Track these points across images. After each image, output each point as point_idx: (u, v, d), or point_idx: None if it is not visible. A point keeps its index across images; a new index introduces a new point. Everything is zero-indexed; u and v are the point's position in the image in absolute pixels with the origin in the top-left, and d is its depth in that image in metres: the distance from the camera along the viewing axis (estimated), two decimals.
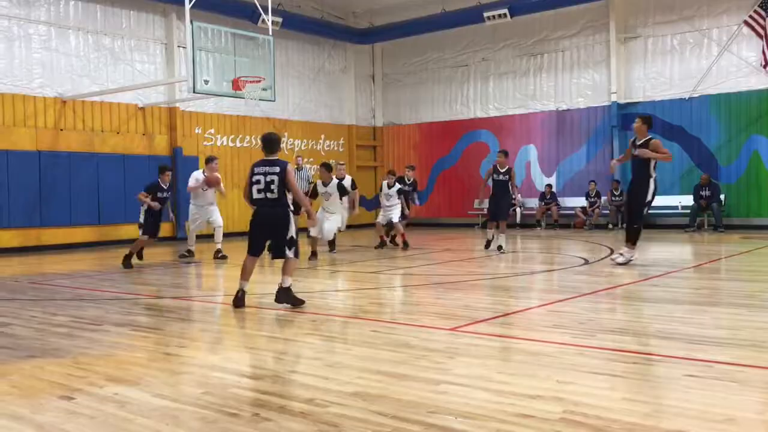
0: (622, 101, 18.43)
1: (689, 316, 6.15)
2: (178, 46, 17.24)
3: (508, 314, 6.42)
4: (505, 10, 18.66)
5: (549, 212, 19.36)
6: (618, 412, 3.48)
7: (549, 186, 19.63)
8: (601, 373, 4.27)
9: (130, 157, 16.66)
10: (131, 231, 16.71)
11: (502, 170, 12.68)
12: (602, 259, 11.25)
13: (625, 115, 18.38)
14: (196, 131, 18.24)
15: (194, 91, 14.11)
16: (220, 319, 6.91)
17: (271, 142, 7.09)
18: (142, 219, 11.64)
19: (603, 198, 18.60)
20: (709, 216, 16.70)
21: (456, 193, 21.63)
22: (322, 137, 21.64)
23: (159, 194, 11.54)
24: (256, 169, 6.96)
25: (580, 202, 18.96)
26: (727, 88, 16.75)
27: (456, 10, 19.92)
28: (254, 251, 7.11)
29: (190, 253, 12.63)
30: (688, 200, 16.97)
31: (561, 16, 19.25)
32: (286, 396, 3.91)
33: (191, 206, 12.71)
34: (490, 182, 12.76)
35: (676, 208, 17.31)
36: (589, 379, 4.12)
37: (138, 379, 4.37)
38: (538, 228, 19.21)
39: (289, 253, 6.90)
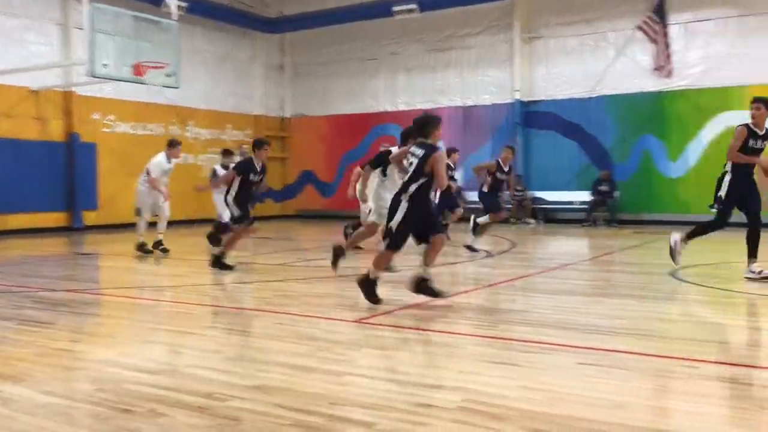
0: (526, 99, 18.98)
1: (584, 307, 6.41)
2: (75, 28, 16.42)
3: (412, 306, 6.49)
4: (415, 5, 18.85)
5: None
6: (515, 399, 3.58)
7: (454, 180, 19.97)
8: (501, 362, 4.38)
9: (22, 142, 15.77)
10: (24, 220, 15.88)
11: (506, 168, 11.53)
12: (505, 252, 11.55)
13: (527, 112, 18.96)
14: (94, 117, 17.47)
15: (92, 75, 13.50)
16: (117, 312, 6.65)
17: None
18: (232, 203, 9.27)
19: (506, 193, 19.09)
20: (604, 211, 17.46)
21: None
22: (229, 127, 21.20)
23: (252, 177, 9.44)
24: (411, 147, 6.44)
25: None
26: (622, 89, 17.53)
27: (366, 3, 19.93)
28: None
29: (144, 247, 11.12)
30: (584, 196, 17.67)
31: (468, 14, 19.60)
32: (184, 390, 3.81)
33: (142, 188, 11.17)
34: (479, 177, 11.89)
35: (573, 203, 18.03)
36: (490, 369, 4.22)
37: (24, 375, 4.14)
38: (444, 220, 19.52)
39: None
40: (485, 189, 11.62)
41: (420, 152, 6.21)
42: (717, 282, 7.93)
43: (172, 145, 11.32)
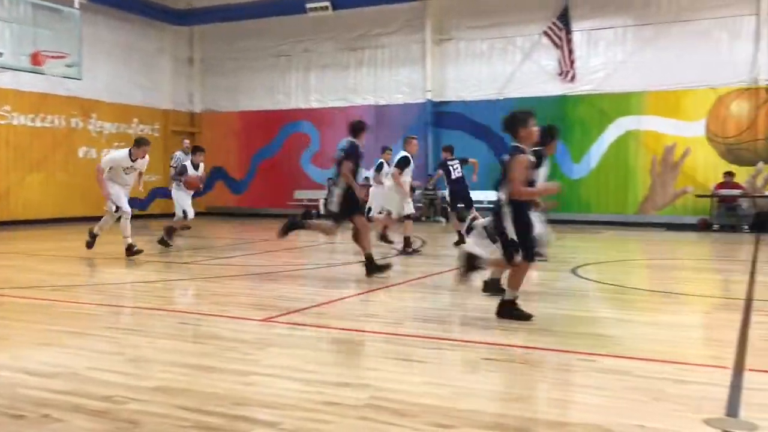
0: (437, 99, 19.29)
1: (489, 304, 6.56)
2: None
3: (322, 304, 6.47)
4: (328, 3, 18.82)
5: (367, 204, 19.79)
6: (419, 395, 3.63)
7: (367, 178, 20.07)
8: (407, 359, 4.44)
9: None
10: None
11: None
12: (417, 249, 11.68)
13: (438, 112, 19.27)
14: None
15: None
16: (10, 313, 6.31)
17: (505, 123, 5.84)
18: (336, 199, 8.39)
19: (417, 191, 19.34)
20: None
21: (276, 183, 21.47)
22: (135, 121, 20.52)
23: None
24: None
25: None
26: (528, 92, 18.07)
27: None
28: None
29: (133, 248, 10.11)
30: (493, 196, 18.09)
31: (381, 13, 19.73)
32: (81, 394, 3.65)
33: (115, 186, 10.20)
34: None
35: (482, 202, 18.42)
36: (396, 366, 4.27)
37: None
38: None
39: (515, 258, 5.54)
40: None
41: (506, 157, 5.68)
42: (615, 278, 8.30)
43: (138, 144, 10.33)
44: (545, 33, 17.80)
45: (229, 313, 5.99)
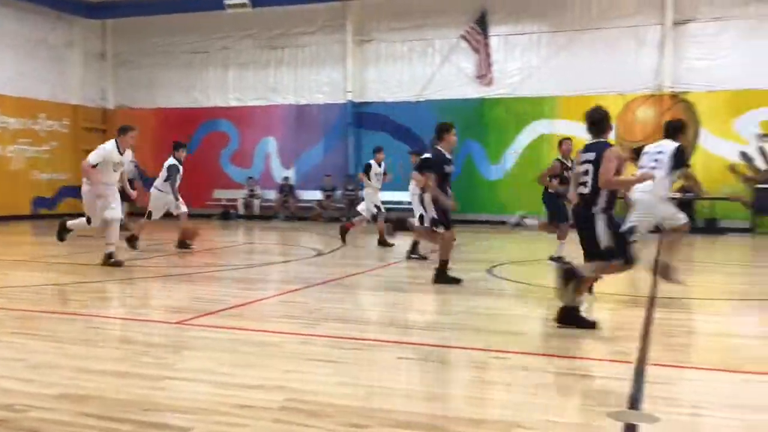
0: (357, 100, 19.33)
1: (406, 303, 6.65)
2: None
3: (238, 306, 6.38)
4: (247, 0, 18.55)
5: (287, 204, 19.66)
6: (335, 396, 3.63)
7: (287, 179, 19.95)
8: (323, 360, 4.43)
9: None
10: None
11: (569, 162, 9.93)
12: (334, 250, 11.68)
13: (359, 113, 19.32)
14: None
15: None
16: None
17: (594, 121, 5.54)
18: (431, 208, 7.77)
19: (338, 192, 19.35)
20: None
21: (194, 183, 20.95)
22: (42, 116, 19.65)
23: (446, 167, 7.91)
24: (580, 156, 5.57)
25: (317, 195, 19.53)
26: (447, 94, 18.34)
27: None
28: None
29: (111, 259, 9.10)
30: (409, 196, 18.27)
31: (301, 12, 19.59)
32: None
33: (95, 188, 9.06)
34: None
35: (402, 203, 18.59)
36: (312, 367, 4.25)
37: None
38: (276, 220, 19.42)
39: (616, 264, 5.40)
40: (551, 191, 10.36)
41: (591, 155, 5.40)
42: (528, 277, 8.53)
43: (124, 131, 9.22)
44: (464, 37, 18.12)
45: (142, 316, 5.83)
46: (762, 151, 16.11)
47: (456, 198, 8.20)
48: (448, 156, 7.94)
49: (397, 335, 5.14)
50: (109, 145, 9.07)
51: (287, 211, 19.67)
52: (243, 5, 18.66)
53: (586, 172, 5.42)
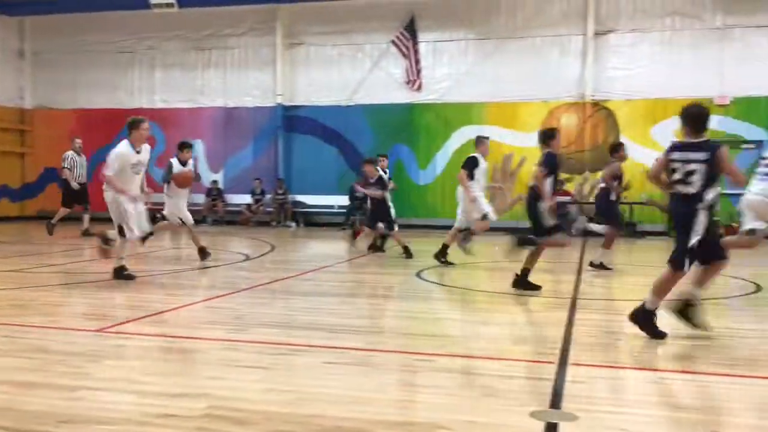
0: (287, 104, 19.19)
1: (335, 307, 6.63)
2: None
3: (162, 312, 6.23)
4: (173, 0, 18.17)
5: (215, 208, 19.33)
6: (261, 402, 3.59)
7: (215, 182, 19.62)
8: (249, 366, 4.37)
9: None
10: None
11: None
12: (264, 255, 11.56)
13: (289, 117, 19.19)
14: None
15: None
16: None
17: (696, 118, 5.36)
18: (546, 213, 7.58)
19: (268, 196, 19.16)
20: (362, 215, 18.21)
21: None
22: None
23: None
24: (674, 155, 5.38)
25: (246, 199, 19.28)
26: (377, 99, 18.43)
27: None
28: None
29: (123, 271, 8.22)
30: (343, 200, 18.29)
31: (230, 14, 19.34)
32: None
33: (108, 195, 8.12)
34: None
35: (333, 207, 18.58)
36: (237, 373, 4.19)
37: None
38: (204, 224, 19.06)
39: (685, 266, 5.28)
40: (612, 197, 10.05)
41: (702, 155, 5.24)
42: (456, 281, 8.64)
43: (134, 125, 8.02)
44: (393, 42, 18.26)
45: (59, 324, 5.62)
46: None
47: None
48: None
49: (324, 340, 5.12)
50: (123, 147, 7.94)
51: (216, 215, 19.34)
52: (169, 5, 18.27)
53: (691, 172, 5.26)
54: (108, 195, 8.07)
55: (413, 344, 5.12)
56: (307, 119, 19.11)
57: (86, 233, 14.59)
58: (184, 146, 10.74)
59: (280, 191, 18.80)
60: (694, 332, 5.62)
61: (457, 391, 3.96)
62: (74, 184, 14.57)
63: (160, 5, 18.32)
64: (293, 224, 18.54)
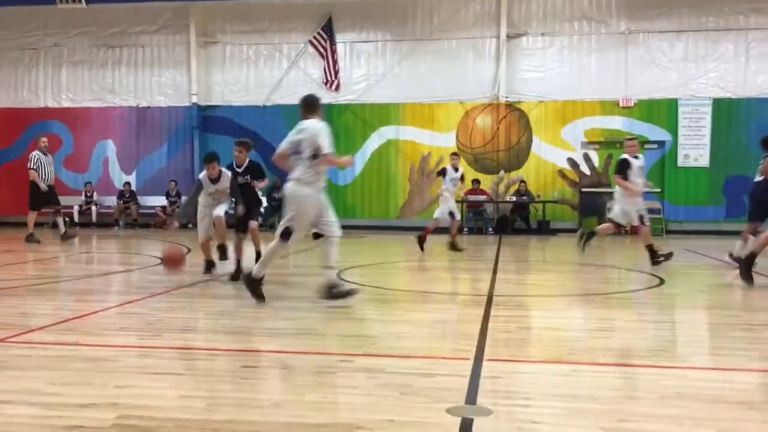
0: (203, 103, 18.81)
1: (254, 310, 6.53)
2: None
3: (70, 320, 5.97)
4: None
5: (128, 211, 18.72)
6: (174, 410, 3.50)
7: (128, 184, 19.01)
8: (163, 373, 4.25)
9: None
10: None
11: None
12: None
13: (205, 117, 18.81)
14: None
15: None
16: None
17: None
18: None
19: (183, 198, 18.70)
20: (280, 217, 18.06)
21: (22, 189, 19.43)
22: None
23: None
24: None
25: (161, 201, 18.77)
26: (295, 99, 18.06)
27: None
28: None
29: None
30: (263, 203, 18.06)
31: (141, 11, 18.79)
32: None
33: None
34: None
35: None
36: (150, 381, 4.07)
37: None
38: (116, 227, 18.44)
39: None
40: None
41: None
42: (376, 280, 8.68)
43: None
44: (311, 42, 18.18)
45: None
46: (587, 157, 17.45)
47: None
48: None
49: (243, 343, 5.05)
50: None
51: (129, 218, 18.74)
52: (76, 1, 17.58)
53: None
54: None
55: (332, 345, 5.11)
56: (223, 119, 18.79)
57: (66, 237, 13.80)
58: (212, 159, 8.67)
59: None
60: (602, 325, 5.85)
61: (376, 390, 3.98)
62: (43, 186, 13.70)
63: (66, 1, 17.60)
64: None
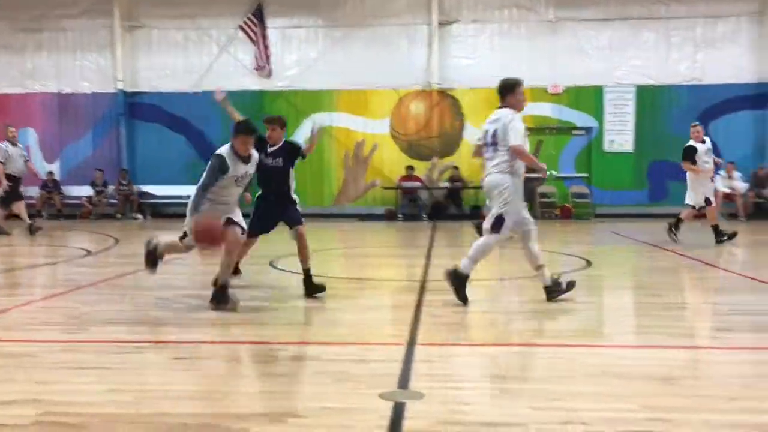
0: (129, 90, 18.26)
1: (186, 301, 6.41)
2: None
3: None
4: None
5: (51, 201, 18.05)
6: (101, 405, 3.40)
7: (51, 173, 18.32)
8: (88, 367, 4.12)
9: None
10: None
11: None
12: (107, 249, 10.96)
13: (132, 103, 18.28)
14: None
15: None
16: None
17: None
18: None
19: (111, 187, 18.17)
20: None
21: None
22: None
23: None
24: None
25: (87, 190, 18.17)
26: (227, 86, 17.87)
27: None
28: None
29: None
30: (191, 190, 17.67)
31: None
32: None
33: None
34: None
35: (182, 197, 17.90)
36: (75, 376, 3.94)
37: None
38: (40, 218, 17.75)
39: None
40: None
41: None
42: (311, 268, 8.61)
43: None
44: (241, 27, 17.84)
45: None
46: None
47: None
48: None
49: (174, 335, 4.94)
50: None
51: (52, 208, 18.08)
52: None
53: None
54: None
55: (267, 334, 5.06)
56: (151, 106, 18.29)
57: (32, 230, 12.87)
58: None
59: (124, 182, 17.90)
60: (532, 308, 5.99)
61: (310, 378, 3.96)
62: (5, 184, 12.56)
63: None
64: (140, 216, 17.72)
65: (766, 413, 3.31)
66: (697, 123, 11.55)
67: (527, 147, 6.36)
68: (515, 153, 5.96)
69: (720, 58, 17.12)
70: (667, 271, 8.36)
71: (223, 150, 6.00)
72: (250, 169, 6.19)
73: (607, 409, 3.36)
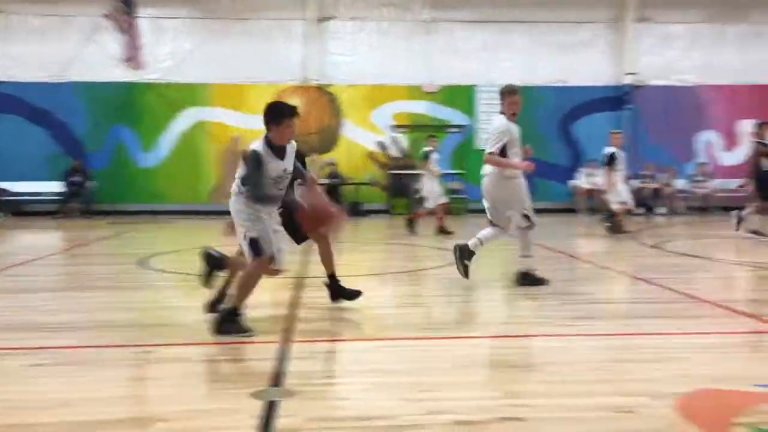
0: None
1: (46, 304, 6.07)
2: None
3: None
4: None
5: None
6: None
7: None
8: None
9: None
10: None
11: None
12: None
13: None
14: None
15: None
16: None
17: None
18: None
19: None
20: (79, 202, 16.85)
21: None
22: None
23: None
24: None
25: None
26: (93, 77, 17.07)
27: None
28: None
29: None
30: (56, 186, 16.74)
31: None
32: None
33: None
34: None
35: (43, 194, 16.93)
36: None
37: None
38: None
39: None
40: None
41: None
42: (183, 267, 8.39)
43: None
44: (107, 16, 16.98)
45: None
46: (395, 140, 18.06)
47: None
48: None
49: (33, 340, 4.66)
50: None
51: None
52: None
53: None
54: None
55: (134, 336, 4.87)
56: (8, 97, 17.07)
57: None
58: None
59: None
60: (406, 301, 6.13)
61: (180, 380, 3.86)
62: None
63: None
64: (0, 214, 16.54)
65: (621, 395, 3.55)
66: (618, 131, 12.69)
67: (517, 149, 6.93)
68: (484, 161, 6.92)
69: (582, 62, 18.16)
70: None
71: (257, 145, 5.14)
72: (288, 165, 5.26)
73: (473, 397, 3.50)
